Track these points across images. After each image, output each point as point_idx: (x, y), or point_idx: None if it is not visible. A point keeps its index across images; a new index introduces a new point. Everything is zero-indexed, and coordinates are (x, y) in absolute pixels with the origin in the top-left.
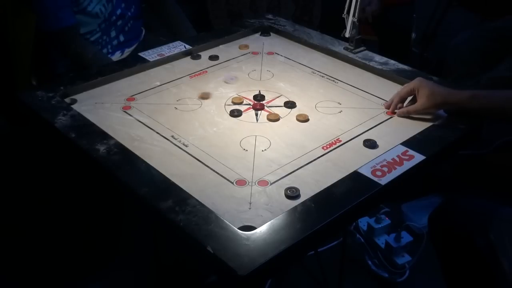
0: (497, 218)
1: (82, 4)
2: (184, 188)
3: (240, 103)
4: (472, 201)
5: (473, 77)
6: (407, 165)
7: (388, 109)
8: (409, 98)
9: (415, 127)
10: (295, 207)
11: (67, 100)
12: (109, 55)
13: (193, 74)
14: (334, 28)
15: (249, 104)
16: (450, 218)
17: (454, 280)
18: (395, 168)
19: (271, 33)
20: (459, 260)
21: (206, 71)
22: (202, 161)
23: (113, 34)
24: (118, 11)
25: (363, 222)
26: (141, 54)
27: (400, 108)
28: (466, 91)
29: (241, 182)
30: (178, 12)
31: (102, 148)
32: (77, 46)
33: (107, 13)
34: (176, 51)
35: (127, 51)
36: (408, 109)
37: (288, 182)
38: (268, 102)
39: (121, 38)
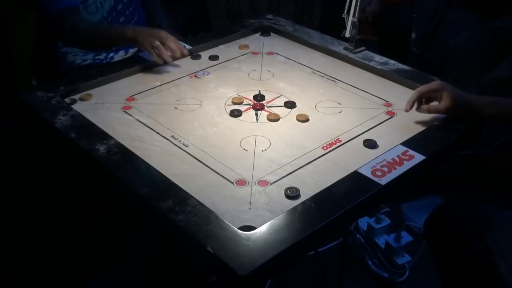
0: (493, 221)
1: None
2: (184, 188)
3: (240, 103)
4: (468, 204)
5: (474, 77)
6: (407, 165)
7: (410, 107)
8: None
9: (415, 127)
10: (295, 207)
11: (67, 100)
12: (112, 54)
13: (192, 74)
14: (334, 28)
15: (249, 104)
16: (446, 222)
17: (451, 284)
18: (395, 168)
19: (271, 33)
20: (456, 264)
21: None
22: (202, 161)
23: None
24: (119, 7)
25: (363, 222)
26: (141, 54)
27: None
28: (486, 97)
29: (241, 182)
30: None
31: (102, 148)
32: (74, 21)
33: (109, 8)
34: None
35: (132, 51)
36: (430, 107)
37: (288, 182)
38: (268, 102)
39: None
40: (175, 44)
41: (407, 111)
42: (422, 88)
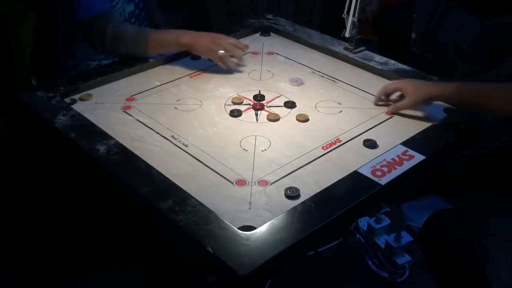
0: (484, 232)
1: (111, 3)
2: (184, 188)
3: (240, 103)
4: (460, 214)
5: (477, 75)
6: (407, 165)
7: (376, 105)
8: (396, 94)
9: (415, 127)
10: (295, 207)
11: (67, 100)
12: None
13: (193, 74)
14: (334, 28)
15: (249, 104)
16: (439, 235)
17: None
18: (395, 168)
19: (271, 33)
20: (451, 276)
21: (206, 71)
22: (202, 161)
23: None
24: (137, 11)
25: (363, 222)
26: None
27: (385, 103)
28: (453, 83)
29: (241, 182)
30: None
31: (102, 148)
32: (115, 26)
33: (127, 14)
34: (176, 51)
35: None
36: (397, 105)
37: (288, 182)
38: (268, 102)
39: None
40: (238, 50)
41: (376, 105)
42: (387, 85)
